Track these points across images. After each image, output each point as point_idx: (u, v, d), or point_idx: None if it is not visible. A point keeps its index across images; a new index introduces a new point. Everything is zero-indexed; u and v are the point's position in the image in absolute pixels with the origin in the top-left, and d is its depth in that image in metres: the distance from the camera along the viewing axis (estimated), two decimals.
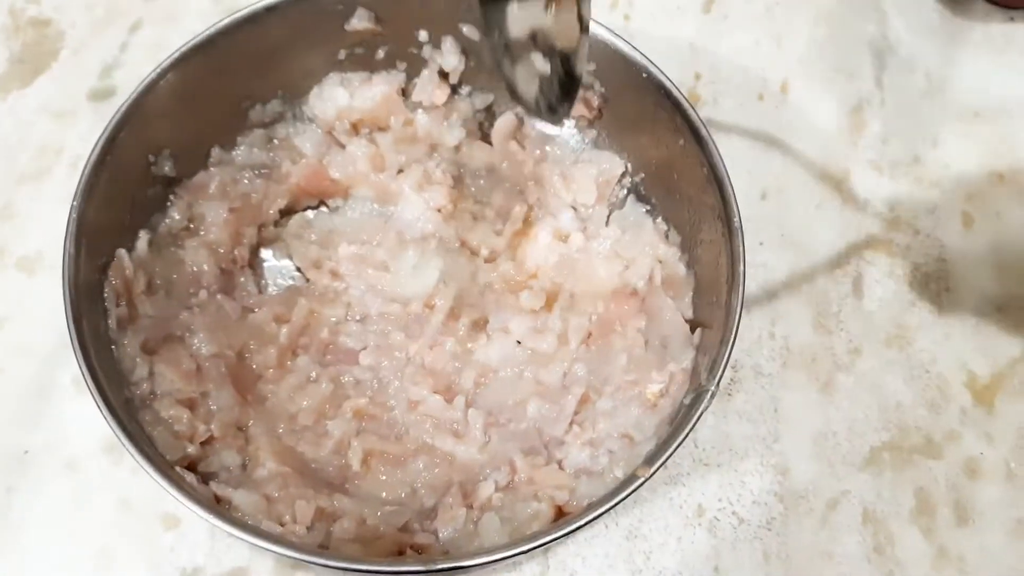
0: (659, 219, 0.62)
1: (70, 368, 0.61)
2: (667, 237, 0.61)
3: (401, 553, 0.51)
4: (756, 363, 0.64)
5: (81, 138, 0.70)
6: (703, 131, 0.56)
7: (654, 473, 0.49)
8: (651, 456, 0.50)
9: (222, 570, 0.57)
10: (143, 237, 0.57)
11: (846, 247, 0.68)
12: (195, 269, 0.60)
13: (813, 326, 0.66)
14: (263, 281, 0.64)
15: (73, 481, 0.59)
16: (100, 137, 0.54)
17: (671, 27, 0.77)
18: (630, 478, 0.49)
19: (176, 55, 0.57)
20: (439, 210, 0.65)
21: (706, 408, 0.50)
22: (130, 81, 0.71)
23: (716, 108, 0.74)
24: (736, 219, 0.53)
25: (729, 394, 0.63)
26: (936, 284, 0.67)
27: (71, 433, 0.60)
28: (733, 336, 0.51)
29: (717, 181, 0.54)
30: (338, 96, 0.64)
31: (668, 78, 0.57)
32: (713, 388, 0.50)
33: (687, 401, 0.53)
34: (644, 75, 0.58)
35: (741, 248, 0.53)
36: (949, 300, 0.66)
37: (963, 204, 0.70)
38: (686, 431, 0.49)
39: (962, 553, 0.59)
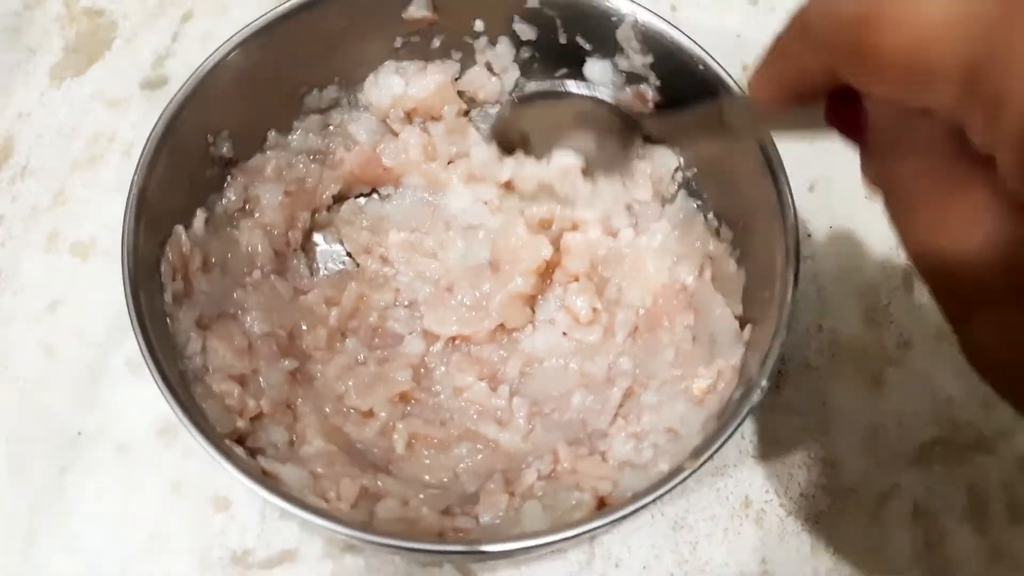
0: (711, 214, 0.61)
1: (123, 351, 0.62)
2: (718, 233, 0.60)
3: (442, 536, 0.51)
4: (804, 356, 0.64)
5: (133, 126, 0.71)
6: (759, 125, 0.54)
7: (701, 465, 0.48)
8: (698, 449, 0.50)
9: (272, 552, 0.58)
10: (200, 216, 0.58)
11: (896, 239, 0.67)
12: (249, 249, 0.60)
13: (862, 319, 0.65)
14: (315, 264, 0.65)
15: (125, 463, 0.60)
16: (161, 116, 0.55)
17: (718, 17, 0.77)
18: (676, 469, 0.49)
19: (236, 39, 0.57)
20: (486, 203, 0.65)
21: (756, 404, 0.49)
22: (182, 71, 0.71)
23: None
24: (792, 214, 0.52)
25: (777, 387, 0.62)
26: None
27: (124, 416, 0.61)
28: (785, 331, 0.50)
29: (772, 175, 0.53)
30: (393, 84, 0.64)
31: (725, 70, 0.56)
32: (764, 384, 0.49)
33: (736, 396, 0.52)
34: (701, 67, 0.57)
35: (796, 244, 0.52)
36: None
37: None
38: (734, 426, 0.48)
39: (1016, 552, 0.58)
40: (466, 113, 0.67)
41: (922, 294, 0.66)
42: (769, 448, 0.61)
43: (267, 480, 0.50)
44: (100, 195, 0.69)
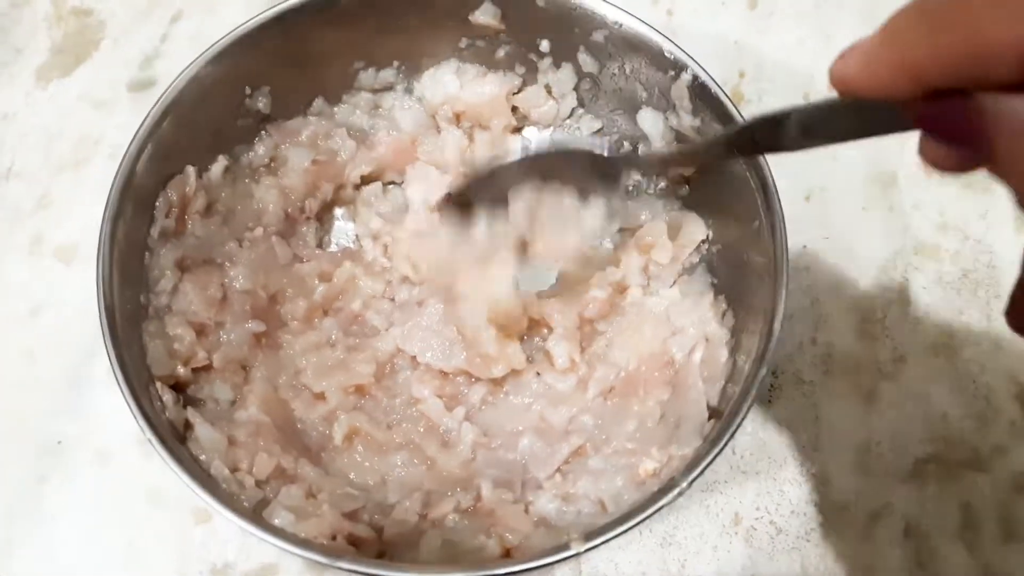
0: (722, 296, 0.58)
1: (105, 359, 0.61)
2: (723, 317, 0.57)
3: (333, 538, 0.50)
4: (797, 369, 0.63)
5: (120, 128, 0.70)
6: (778, 225, 0.52)
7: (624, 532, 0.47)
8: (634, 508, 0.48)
9: (252, 566, 0.57)
10: (221, 162, 0.59)
11: (892, 251, 0.66)
12: (260, 206, 0.61)
13: (857, 333, 0.64)
14: (327, 238, 0.66)
15: (105, 473, 0.59)
16: (199, 56, 0.55)
17: (714, 23, 0.76)
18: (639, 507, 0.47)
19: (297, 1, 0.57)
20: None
21: (668, 503, 0.46)
22: (170, 72, 0.70)
23: (760, 107, 0.72)
24: (776, 323, 0.50)
25: (769, 401, 0.61)
26: (986, 291, 0.65)
27: (104, 424, 0.60)
28: (722, 446, 0.48)
29: (775, 274, 0.51)
30: (449, 83, 0.64)
31: (769, 170, 0.53)
32: (683, 486, 0.47)
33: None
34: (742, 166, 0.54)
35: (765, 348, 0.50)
36: (999, 308, 0.64)
37: (1015, 209, 0.68)
38: (641, 517, 0.46)
39: (1009, 571, 0.57)
40: (517, 130, 0.66)
41: (918, 308, 0.65)
42: (760, 464, 0.60)
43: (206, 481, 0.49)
44: (85, 198, 0.68)
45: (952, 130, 0.32)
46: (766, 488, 0.59)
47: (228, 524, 0.56)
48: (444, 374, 0.59)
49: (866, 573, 0.57)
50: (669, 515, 0.58)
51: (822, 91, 0.73)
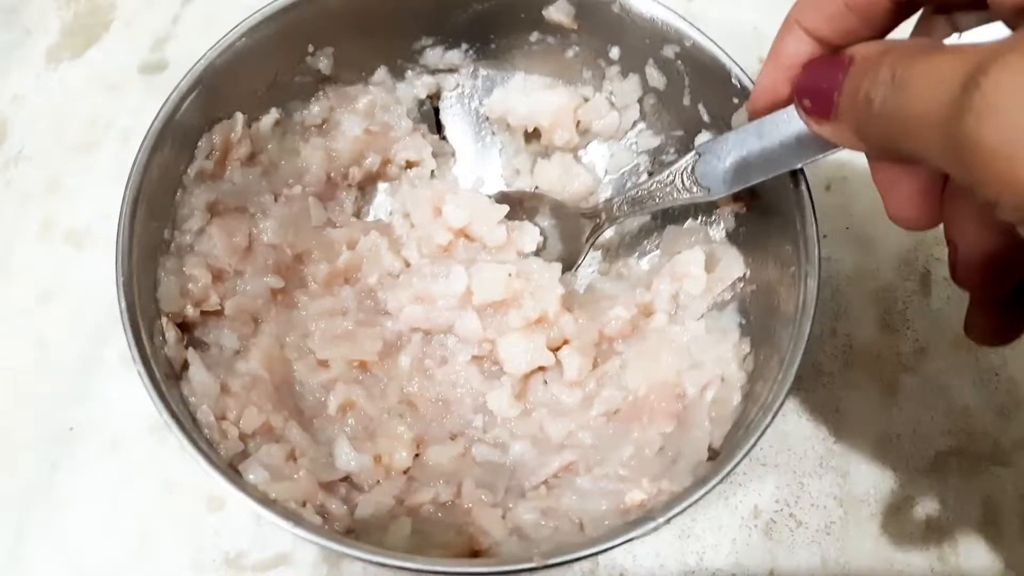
0: (747, 339, 0.55)
1: (117, 344, 0.60)
2: (744, 360, 0.55)
3: (303, 505, 0.49)
4: (817, 361, 0.62)
5: (131, 112, 0.69)
6: (812, 274, 0.50)
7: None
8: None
9: (266, 555, 0.56)
10: (272, 114, 0.58)
11: (914, 242, 0.65)
12: (303, 165, 0.60)
13: (878, 324, 0.63)
14: (367, 208, 0.65)
15: (118, 460, 0.59)
16: (265, 7, 0.54)
17: (734, 9, 0.75)
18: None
19: None
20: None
21: (639, 537, 0.45)
22: (182, 54, 0.70)
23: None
24: (789, 375, 0.48)
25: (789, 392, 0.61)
26: None
27: (116, 411, 0.60)
28: (708, 488, 0.46)
29: (798, 326, 0.49)
30: (513, 98, 0.64)
31: (814, 216, 0.51)
32: (660, 521, 0.45)
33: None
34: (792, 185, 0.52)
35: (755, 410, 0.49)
36: None
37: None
38: (608, 545, 0.45)
39: None
40: (572, 149, 0.65)
41: (940, 299, 0.64)
42: (780, 456, 0.59)
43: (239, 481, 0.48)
44: (96, 182, 0.67)
45: (820, 83, 0.38)
46: (786, 481, 0.59)
47: (241, 512, 0.57)
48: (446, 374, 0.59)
49: (886, 567, 0.56)
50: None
51: None
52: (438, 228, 0.60)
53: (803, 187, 0.51)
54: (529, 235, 0.60)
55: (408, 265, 0.61)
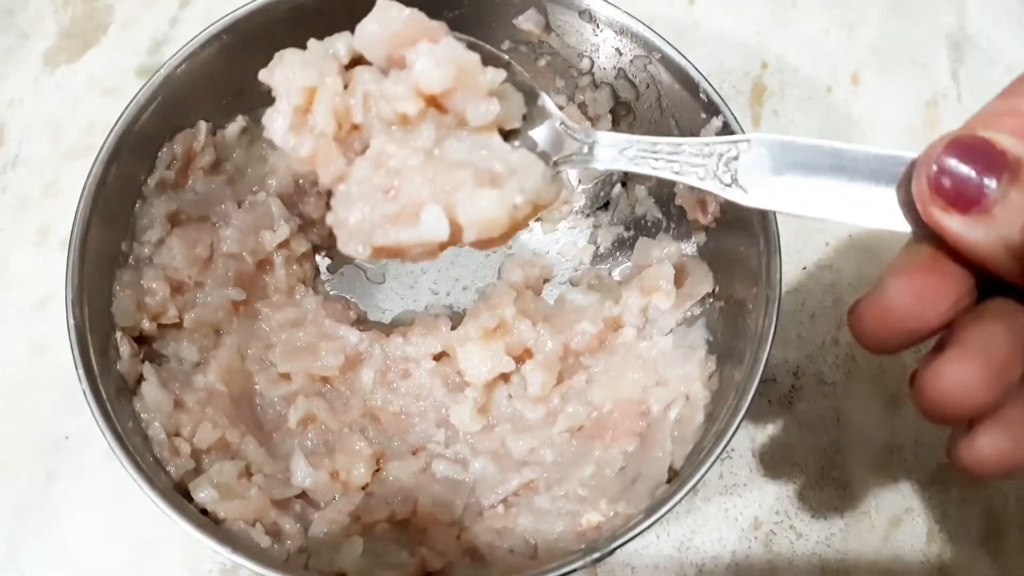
0: (713, 357, 0.54)
1: None
2: (709, 379, 0.53)
3: (253, 524, 0.49)
4: (819, 370, 0.61)
5: None
6: (772, 299, 0.49)
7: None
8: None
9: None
10: (239, 122, 0.57)
11: None
12: (269, 171, 0.59)
13: None
14: None
15: (113, 469, 0.58)
16: (227, 15, 0.54)
17: (737, 13, 0.74)
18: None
19: None
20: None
21: (580, 567, 0.45)
22: None
23: (782, 99, 0.70)
24: (743, 404, 0.47)
25: (790, 403, 0.60)
26: None
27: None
28: (656, 518, 0.46)
29: (755, 351, 0.48)
30: None
31: (778, 240, 0.49)
32: (605, 551, 0.45)
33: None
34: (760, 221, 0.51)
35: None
36: None
37: None
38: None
39: None
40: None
41: None
42: (781, 467, 0.59)
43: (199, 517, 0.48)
44: None
45: (970, 171, 0.35)
46: (786, 491, 0.58)
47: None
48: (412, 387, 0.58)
49: None
50: (687, 518, 0.57)
51: (845, 83, 0.71)
52: (405, 89, 0.42)
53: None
54: (515, 103, 0.45)
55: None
